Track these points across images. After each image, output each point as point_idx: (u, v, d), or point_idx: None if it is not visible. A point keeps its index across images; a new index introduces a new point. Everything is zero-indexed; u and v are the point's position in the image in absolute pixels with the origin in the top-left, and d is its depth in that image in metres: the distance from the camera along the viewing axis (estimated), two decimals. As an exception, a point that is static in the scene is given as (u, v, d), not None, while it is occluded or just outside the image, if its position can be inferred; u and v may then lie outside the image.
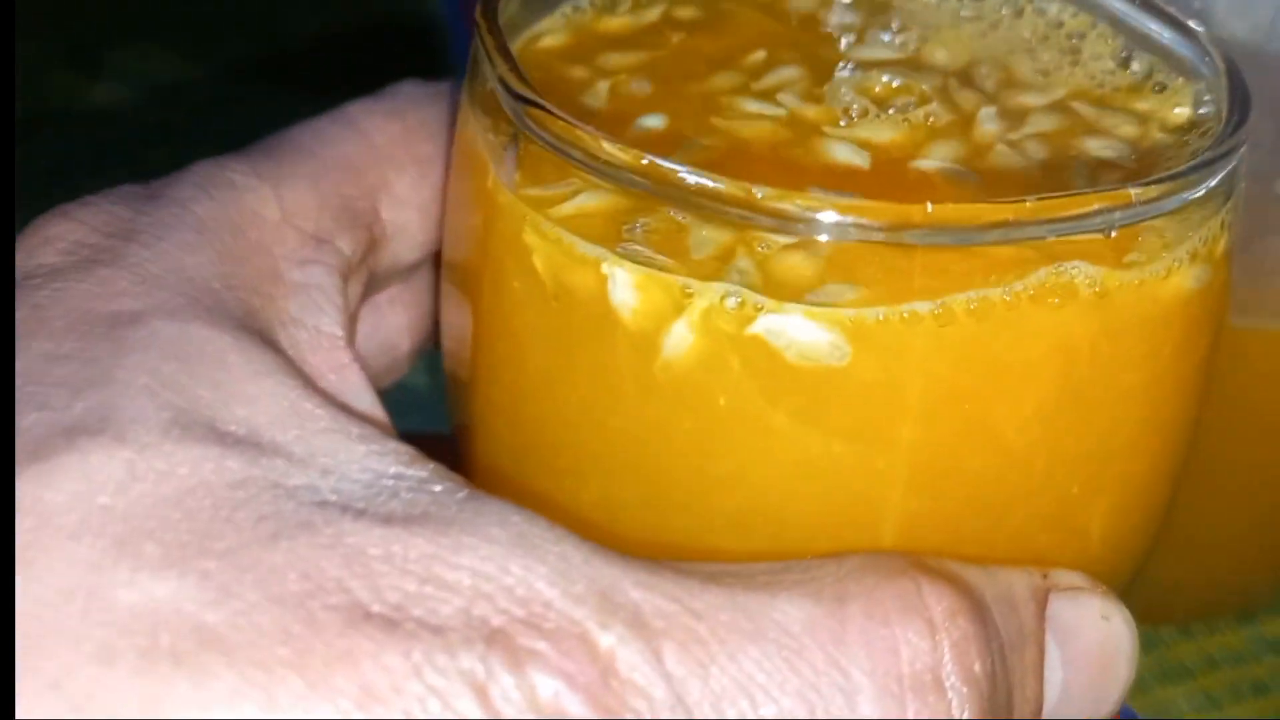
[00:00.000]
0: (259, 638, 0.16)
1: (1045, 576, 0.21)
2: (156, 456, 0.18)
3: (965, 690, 0.19)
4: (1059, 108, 0.24)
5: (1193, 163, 0.20)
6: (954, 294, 0.19)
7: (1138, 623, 0.42)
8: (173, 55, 0.69)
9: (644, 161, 0.19)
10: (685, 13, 0.27)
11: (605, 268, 0.20)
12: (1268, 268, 0.35)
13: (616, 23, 0.27)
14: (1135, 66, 0.25)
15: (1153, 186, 0.19)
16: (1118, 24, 0.26)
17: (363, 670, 0.16)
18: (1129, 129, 0.24)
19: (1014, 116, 0.24)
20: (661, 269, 0.20)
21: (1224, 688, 0.42)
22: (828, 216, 0.18)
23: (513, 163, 0.21)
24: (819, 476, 0.20)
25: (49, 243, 0.21)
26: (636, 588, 0.18)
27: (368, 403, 0.22)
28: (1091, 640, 0.21)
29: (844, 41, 0.26)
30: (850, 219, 0.18)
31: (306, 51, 0.70)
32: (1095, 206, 0.19)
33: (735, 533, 0.21)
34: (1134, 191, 0.19)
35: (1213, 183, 0.20)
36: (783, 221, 0.19)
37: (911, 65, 0.26)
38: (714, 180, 0.19)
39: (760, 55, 0.26)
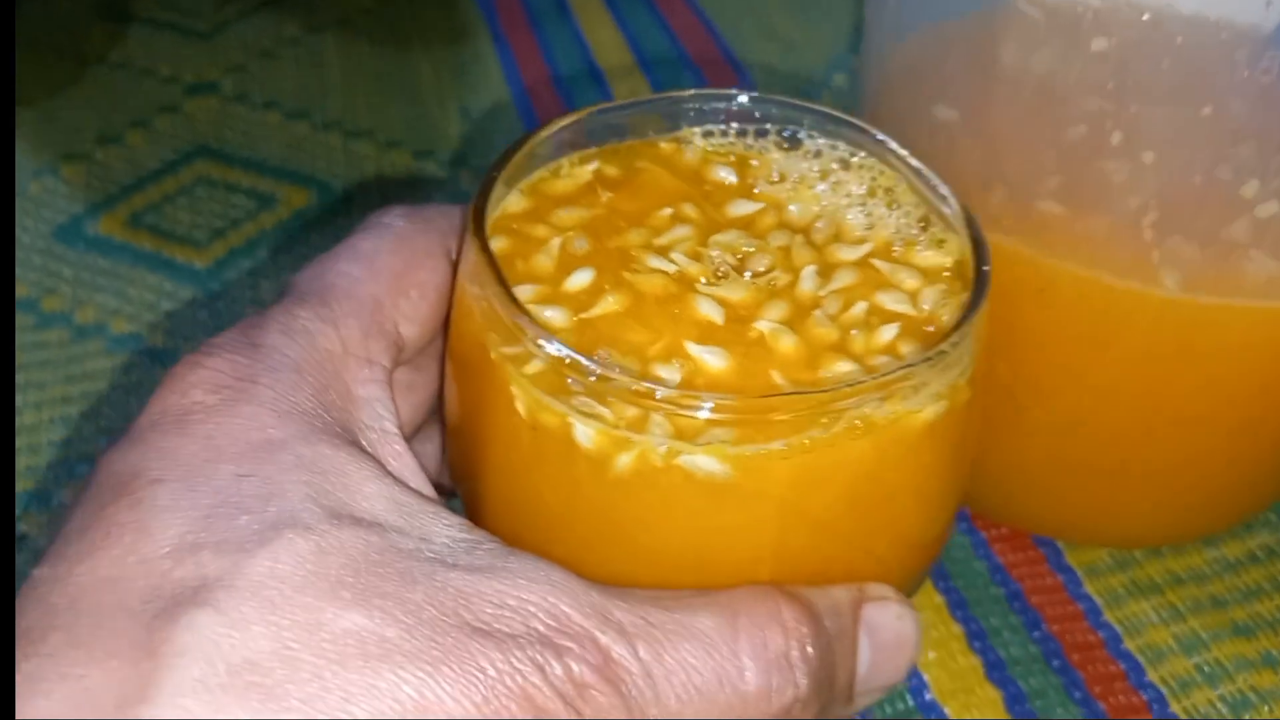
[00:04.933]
0: (419, 645, 0.26)
1: (861, 590, 0.32)
2: (329, 538, 0.27)
3: (804, 667, 0.30)
4: (863, 264, 0.34)
5: (930, 354, 0.30)
6: (796, 436, 0.29)
7: (1119, 547, 0.51)
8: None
9: (567, 361, 0.29)
10: (610, 170, 0.36)
11: (570, 419, 0.30)
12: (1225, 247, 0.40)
13: (561, 185, 0.36)
14: (926, 221, 0.36)
15: (900, 371, 0.29)
16: (915, 190, 0.36)
17: (478, 660, 0.26)
18: (912, 283, 0.34)
19: (828, 272, 0.34)
20: (609, 424, 0.29)
21: (1187, 602, 0.47)
22: (706, 402, 0.29)
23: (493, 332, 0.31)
24: (718, 543, 0.31)
25: (195, 386, 0.30)
26: (618, 608, 0.28)
27: (419, 480, 0.32)
28: (889, 633, 0.31)
29: (730, 207, 0.35)
30: (720, 412, 0.29)
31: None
32: (873, 381, 0.29)
33: (666, 575, 0.31)
34: (892, 375, 0.29)
35: (949, 354, 0.30)
36: (673, 405, 0.29)
37: (774, 219, 0.36)
38: (617, 374, 0.28)
39: (666, 213, 0.35)
